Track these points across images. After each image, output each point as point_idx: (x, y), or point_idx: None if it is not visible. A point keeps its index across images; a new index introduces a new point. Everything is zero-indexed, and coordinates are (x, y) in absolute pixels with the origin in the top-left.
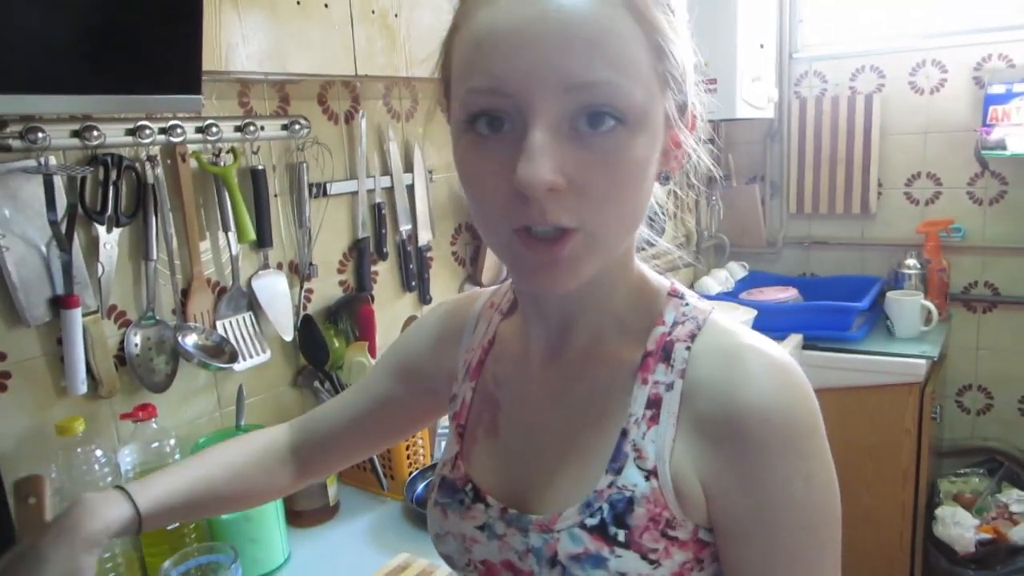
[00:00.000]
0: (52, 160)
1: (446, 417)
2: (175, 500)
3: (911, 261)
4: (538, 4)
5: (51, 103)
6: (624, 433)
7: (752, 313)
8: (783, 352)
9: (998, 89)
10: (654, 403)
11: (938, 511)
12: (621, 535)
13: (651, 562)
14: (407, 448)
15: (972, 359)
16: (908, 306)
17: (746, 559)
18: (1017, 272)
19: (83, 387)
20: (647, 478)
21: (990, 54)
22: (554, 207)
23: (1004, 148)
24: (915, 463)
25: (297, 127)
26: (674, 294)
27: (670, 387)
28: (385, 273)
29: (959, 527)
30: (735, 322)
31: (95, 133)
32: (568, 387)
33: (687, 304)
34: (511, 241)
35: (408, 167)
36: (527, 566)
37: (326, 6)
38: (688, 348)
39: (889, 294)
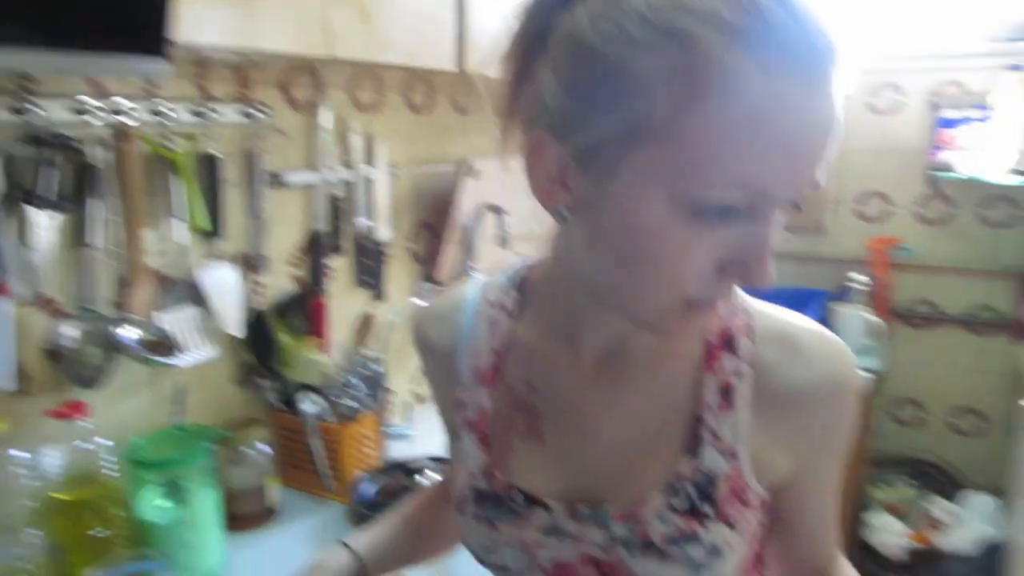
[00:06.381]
0: None
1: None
2: (381, 540)
3: (859, 276)
4: (817, 111)
5: None
6: (699, 420)
7: None
8: (821, 326)
9: (950, 114)
10: (725, 391)
11: (870, 517)
12: (710, 510)
13: (733, 528)
14: (354, 448)
15: (909, 373)
16: (853, 319)
17: (810, 493)
18: (957, 292)
19: (12, 383)
20: (726, 459)
21: (946, 80)
22: None
23: (952, 171)
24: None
25: (258, 113)
26: None
27: (739, 374)
28: (340, 268)
29: (890, 534)
30: (768, 305)
31: (39, 111)
32: (630, 385)
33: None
34: (674, 305)
35: (369, 160)
36: (614, 556)
37: None
38: (750, 339)
39: (835, 307)
